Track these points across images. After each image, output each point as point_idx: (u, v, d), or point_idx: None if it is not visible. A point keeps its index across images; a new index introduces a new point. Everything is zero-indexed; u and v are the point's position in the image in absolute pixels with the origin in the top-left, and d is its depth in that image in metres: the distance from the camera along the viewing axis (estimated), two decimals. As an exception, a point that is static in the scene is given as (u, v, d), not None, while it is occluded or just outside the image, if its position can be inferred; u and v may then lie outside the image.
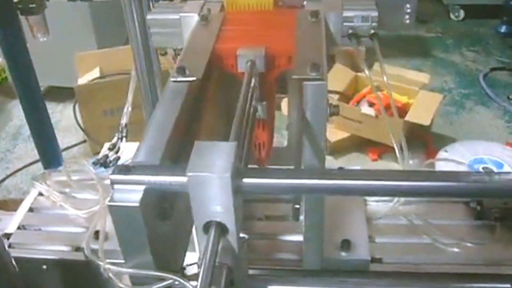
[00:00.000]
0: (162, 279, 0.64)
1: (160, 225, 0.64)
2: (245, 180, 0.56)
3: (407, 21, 0.97)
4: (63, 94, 3.42)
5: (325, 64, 0.80)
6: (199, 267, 0.60)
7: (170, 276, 0.62)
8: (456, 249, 0.99)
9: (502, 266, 0.95)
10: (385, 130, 2.88)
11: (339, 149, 2.93)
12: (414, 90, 3.04)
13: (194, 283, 0.58)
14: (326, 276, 0.93)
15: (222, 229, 0.58)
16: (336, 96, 3.00)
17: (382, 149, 2.93)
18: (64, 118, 3.41)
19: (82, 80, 3.06)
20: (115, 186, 0.59)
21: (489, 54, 3.84)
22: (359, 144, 2.95)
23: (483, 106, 3.35)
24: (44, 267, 1.05)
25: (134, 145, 1.86)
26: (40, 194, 1.23)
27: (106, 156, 1.58)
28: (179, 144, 0.70)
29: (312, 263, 0.96)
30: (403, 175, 0.56)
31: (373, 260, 0.98)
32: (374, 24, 0.93)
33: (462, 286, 0.91)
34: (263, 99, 0.89)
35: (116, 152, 1.65)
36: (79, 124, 3.12)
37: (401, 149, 0.97)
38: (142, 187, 0.59)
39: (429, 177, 0.59)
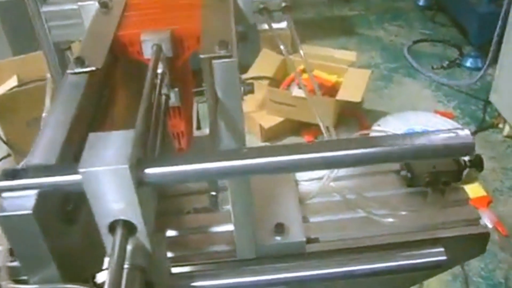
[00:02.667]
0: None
1: (65, 230, 0.58)
2: (148, 170, 0.51)
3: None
4: (-19, 107, 3.24)
5: (235, 41, 0.75)
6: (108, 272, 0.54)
7: (76, 287, 0.55)
8: (391, 219, 0.97)
9: (437, 230, 0.94)
10: (318, 111, 2.89)
11: (274, 134, 2.91)
12: (342, 69, 3.06)
13: (106, 290, 0.52)
14: (261, 264, 0.89)
15: (129, 227, 0.53)
16: (266, 82, 2.97)
17: (316, 131, 2.92)
18: (-16, 132, 3.23)
19: (-1, 90, 2.90)
20: (3, 194, 0.52)
21: (411, 28, 3.92)
22: (294, 128, 2.94)
23: (410, 78, 3.41)
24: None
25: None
26: None
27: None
28: (81, 140, 0.64)
29: (246, 252, 0.92)
30: (318, 147, 0.52)
31: (309, 240, 0.94)
32: (284, -4, 0.89)
33: (399, 255, 0.90)
34: (174, 86, 0.83)
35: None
36: (1, 138, 2.96)
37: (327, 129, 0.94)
38: (34, 192, 0.52)
39: (349, 145, 0.55)
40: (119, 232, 0.52)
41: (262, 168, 0.52)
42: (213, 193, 0.61)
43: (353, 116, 3.04)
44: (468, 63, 3.42)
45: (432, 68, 3.43)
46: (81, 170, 0.49)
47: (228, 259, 0.91)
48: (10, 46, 3.13)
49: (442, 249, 0.79)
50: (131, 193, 0.50)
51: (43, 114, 1.54)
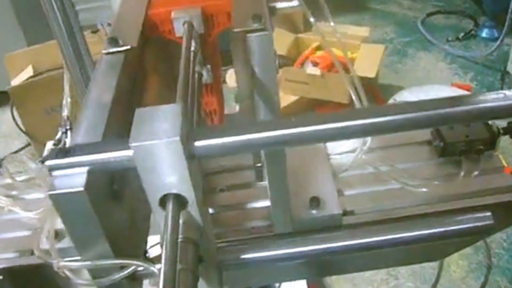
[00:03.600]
0: (124, 267, 0.58)
1: (113, 208, 0.58)
2: (198, 142, 0.51)
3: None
4: (-1, 98, 3.27)
5: (267, 14, 0.74)
6: (161, 247, 0.55)
7: (131, 262, 0.56)
8: (425, 189, 0.96)
9: (474, 198, 0.93)
10: (332, 88, 2.89)
11: (289, 112, 2.90)
12: (356, 44, 3.03)
13: (159, 265, 0.52)
14: (298, 236, 0.89)
15: (180, 201, 0.53)
16: (280, 60, 2.96)
17: (331, 107, 2.92)
18: (3, 123, 3.25)
19: (15, 81, 2.91)
20: (54, 173, 0.53)
21: (424, 0, 3.87)
22: (308, 106, 2.94)
23: (424, 51, 3.38)
24: (1, 277, 0.97)
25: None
26: (-15, 201, 1.13)
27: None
28: (122, 118, 0.64)
29: (282, 226, 0.92)
30: (367, 112, 0.52)
31: (345, 213, 0.94)
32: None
33: (441, 222, 0.89)
34: (206, 62, 0.83)
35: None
36: (20, 128, 2.98)
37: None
38: (85, 169, 0.52)
39: (394, 110, 0.54)
40: (171, 205, 0.52)
41: (316, 136, 0.51)
42: (259, 164, 0.60)
43: (369, 91, 3.02)
44: (484, 33, 3.38)
45: (447, 40, 3.40)
46: (132, 144, 0.49)
47: (265, 234, 0.92)
48: (25, 37, 3.14)
49: (489, 214, 0.78)
50: (183, 166, 0.50)
51: (63, 102, 1.53)
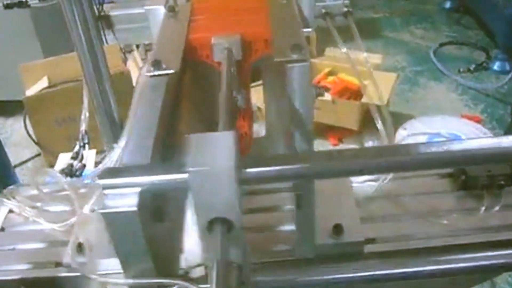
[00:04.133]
0: (164, 286, 0.59)
1: (157, 228, 0.60)
2: (249, 170, 0.53)
3: (377, -4, 0.95)
4: (12, 107, 3.30)
5: (306, 44, 0.77)
6: (206, 268, 0.56)
7: (176, 282, 0.57)
8: (446, 221, 0.98)
9: (497, 233, 0.95)
10: (343, 114, 2.90)
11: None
12: (367, 72, 3.05)
13: (202, 286, 0.54)
14: (322, 263, 0.91)
15: (228, 225, 0.55)
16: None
17: (341, 133, 2.94)
18: (14, 132, 3.28)
19: (30, 91, 2.95)
20: (106, 191, 0.54)
21: (437, 30, 3.92)
22: (319, 130, 2.95)
23: (436, 81, 3.41)
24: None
25: (93, 153, 1.77)
26: (11, 211, 1.15)
27: (71, 165, 1.50)
28: (165, 142, 0.66)
29: (305, 251, 0.93)
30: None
31: (367, 241, 0.95)
32: (346, 1, 0.91)
33: (461, 257, 0.91)
34: (240, 88, 0.85)
35: (80, 161, 1.58)
36: (31, 137, 3.00)
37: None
38: (137, 190, 0.54)
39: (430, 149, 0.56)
40: (219, 229, 0.54)
41: (358, 169, 0.53)
42: (299, 192, 0.62)
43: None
44: (496, 66, 3.41)
45: (459, 71, 3.42)
46: (190, 169, 0.51)
47: (287, 258, 0.93)
48: (42, 48, 3.18)
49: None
50: (234, 192, 0.52)
51: (82, 116, 1.55)
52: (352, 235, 0.94)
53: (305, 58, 0.72)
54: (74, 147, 1.60)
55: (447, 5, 4.12)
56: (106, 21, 1.22)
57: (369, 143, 2.86)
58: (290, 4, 0.87)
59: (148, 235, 0.56)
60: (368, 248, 0.95)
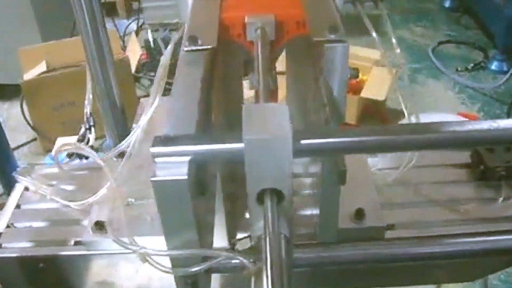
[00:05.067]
0: (208, 258, 0.59)
1: (201, 199, 0.60)
2: (304, 141, 0.53)
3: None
4: (9, 91, 3.26)
5: (341, 25, 0.77)
6: (252, 240, 0.56)
7: (222, 253, 0.57)
8: (463, 210, 0.99)
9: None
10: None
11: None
12: (367, 67, 3.07)
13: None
14: (344, 247, 0.91)
15: (278, 196, 0.54)
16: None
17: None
18: (11, 116, 3.25)
19: (28, 76, 2.92)
20: (157, 160, 0.54)
21: (436, 29, 3.94)
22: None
23: (433, 79, 3.43)
24: (41, 265, 0.97)
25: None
26: (26, 189, 1.14)
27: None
28: (207, 115, 0.66)
29: (327, 236, 0.93)
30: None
31: (387, 227, 0.96)
32: (376, -14, 0.91)
33: (481, 240, 0.91)
34: (272, 68, 0.85)
35: (87, 143, 1.57)
36: (28, 122, 2.98)
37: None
38: (187, 159, 0.54)
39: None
40: (272, 200, 0.53)
41: (419, 143, 0.53)
42: (344, 168, 0.62)
43: (376, 114, 3.06)
44: (493, 66, 3.44)
45: (456, 70, 3.45)
46: (246, 137, 0.50)
47: (310, 242, 0.93)
48: (40, 32, 3.15)
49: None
50: (287, 163, 0.52)
51: (86, 98, 1.53)
52: (374, 220, 0.95)
53: (343, 39, 0.73)
54: (79, 130, 1.59)
55: (447, 4, 4.14)
56: (106, 9, 1.21)
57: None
58: (322, -13, 0.87)
59: (195, 205, 0.56)
60: (387, 234, 0.96)
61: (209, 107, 0.70)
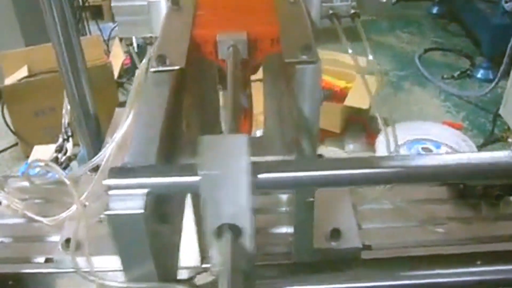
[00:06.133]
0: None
1: (159, 230, 0.57)
2: (262, 175, 0.50)
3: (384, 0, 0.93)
4: (-10, 96, 3.21)
5: (314, 44, 0.74)
6: (212, 274, 0.54)
7: (179, 287, 0.55)
8: (443, 230, 0.97)
9: (492, 244, 0.94)
10: (325, 116, 2.88)
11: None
12: (351, 74, 3.06)
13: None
14: (318, 268, 0.89)
15: (236, 231, 0.52)
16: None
17: (323, 135, 2.93)
18: (-8, 121, 3.20)
19: (9, 80, 2.88)
20: (111, 192, 0.52)
21: (423, 35, 3.94)
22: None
23: (419, 86, 3.42)
24: (11, 283, 0.95)
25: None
26: (-1, 202, 1.11)
27: (56, 158, 1.46)
28: (170, 142, 0.63)
29: (302, 255, 0.91)
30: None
31: (363, 247, 0.94)
32: (353, 3, 0.89)
33: (454, 266, 0.90)
34: (245, 87, 0.83)
35: (65, 154, 1.54)
36: (8, 127, 2.94)
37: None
38: (143, 191, 0.52)
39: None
40: (229, 235, 0.51)
41: (377, 178, 0.51)
42: (311, 199, 0.60)
43: (360, 122, 3.04)
44: (479, 74, 3.43)
45: (442, 77, 3.44)
46: (202, 172, 0.48)
47: (285, 261, 0.91)
48: (23, 36, 3.11)
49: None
50: (245, 198, 0.50)
51: (63, 108, 1.50)
52: (350, 240, 0.93)
53: (314, 60, 0.70)
54: (57, 140, 1.56)
55: (434, 10, 4.14)
56: (91, 12, 1.18)
57: (349, 146, 2.85)
58: (298, 3, 0.85)
59: (152, 237, 0.54)
60: (364, 254, 0.94)
61: (175, 132, 0.68)
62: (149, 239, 0.53)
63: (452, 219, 0.98)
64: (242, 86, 0.79)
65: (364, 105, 2.89)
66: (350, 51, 0.91)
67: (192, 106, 0.89)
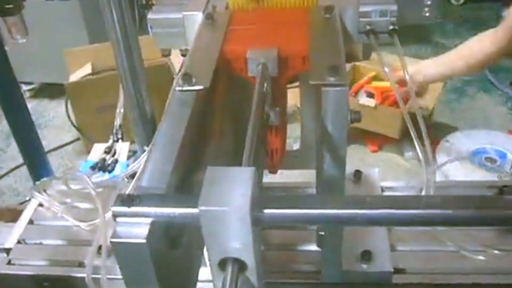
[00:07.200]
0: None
1: (168, 255, 0.57)
2: (266, 211, 0.49)
3: (427, 14, 0.90)
4: (56, 90, 3.35)
5: (344, 66, 0.72)
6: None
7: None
8: (482, 257, 0.93)
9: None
10: (384, 121, 2.83)
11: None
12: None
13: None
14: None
15: (240, 265, 0.51)
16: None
17: (381, 140, 2.87)
18: (57, 115, 3.33)
19: (73, 77, 2.97)
20: (118, 219, 0.52)
21: (491, 39, 3.76)
22: (359, 135, 2.88)
23: (485, 93, 3.28)
24: (46, 284, 0.99)
25: (126, 146, 1.76)
26: (40, 204, 1.15)
27: (104, 160, 1.50)
28: (186, 165, 0.63)
29: (331, 276, 0.90)
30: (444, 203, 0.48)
31: (396, 270, 0.91)
32: (393, 19, 0.86)
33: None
34: (275, 105, 0.81)
35: (113, 155, 1.58)
36: (71, 122, 3.04)
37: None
38: (149, 220, 0.51)
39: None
40: (230, 269, 0.50)
41: (384, 220, 0.49)
42: (321, 233, 0.58)
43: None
44: (550, 81, 3.25)
45: (510, 84, 3.28)
46: (201, 208, 0.47)
47: (313, 281, 0.90)
48: (87, 34, 3.20)
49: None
50: (247, 234, 0.49)
51: (117, 110, 1.53)
52: (381, 264, 0.90)
53: (342, 82, 0.68)
54: (106, 140, 1.60)
55: (504, 12, 3.94)
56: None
57: (409, 153, 2.77)
58: (333, 19, 0.82)
59: (157, 265, 0.53)
60: (396, 279, 0.90)
61: (198, 154, 0.67)
62: (154, 266, 0.53)
63: (494, 246, 0.93)
64: (270, 103, 0.77)
65: (426, 111, 2.80)
66: (386, 69, 0.87)
67: (228, 124, 0.89)
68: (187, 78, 0.71)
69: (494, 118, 3.07)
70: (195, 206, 0.48)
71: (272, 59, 0.77)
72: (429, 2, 0.88)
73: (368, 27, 0.86)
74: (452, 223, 0.49)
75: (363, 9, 0.86)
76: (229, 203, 0.47)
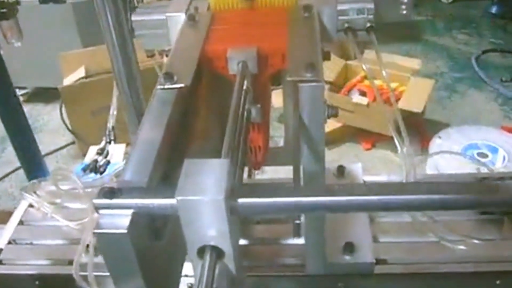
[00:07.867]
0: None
1: (152, 247, 0.60)
2: (241, 200, 0.52)
3: (404, 12, 0.92)
4: (51, 94, 3.36)
5: (321, 63, 0.75)
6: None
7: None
8: (463, 247, 0.95)
9: (512, 263, 0.91)
10: (377, 119, 2.85)
11: (332, 139, 2.88)
12: (405, 77, 2.99)
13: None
14: (330, 281, 0.89)
15: (218, 253, 0.54)
16: (327, 86, 2.95)
17: (375, 138, 2.89)
18: (52, 119, 3.35)
19: (67, 80, 2.99)
20: (101, 212, 0.54)
21: (480, 36, 3.80)
22: (352, 134, 2.91)
23: (476, 89, 3.31)
24: (37, 283, 1.01)
25: (122, 147, 1.79)
26: (31, 205, 1.18)
27: (96, 161, 1.52)
28: (168, 159, 0.65)
29: (315, 268, 0.92)
30: (407, 188, 0.51)
31: (378, 261, 0.93)
32: (370, 16, 0.89)
33: (472, 285, 0.88)
34: (257, 102, 0.83)
35: (105, 157, 1.60)
36: (66, 126, 3.06)
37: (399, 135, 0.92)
38: (130, 211, 0.54)
39: (435, 189, 0.53)
40: (208, 257, 0.53)
41: (356, 206, 0.51)
42: (297, 221, 0.61)
43: (414, 126, 2.97)
44: (540, 77, 3.28)
45: (501, 80, 3.31)
46: (178, 198, 0.50)
47: (298, 274, 0.92)
48: (80, 38, 3.22)
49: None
50: (223, 222, 0.51)
51: (110, 112, 1.55)
52: (363, 255, 0.92)
53: (317, 79, 0.71)
54: (101, 143, 1.62)
55: (493, 10, 3.98)
56: None
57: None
58: (311, 18, 0.85)
59: (140, 255, 0.56)
60: (378, 269, 0.93)
61: (180, 150, 0.70)
62: (137, 257, 0.55)
63: (473, 236, 0.96)
64: (251, 100, 0.80)
65: (418, 108, 2.83)
66: (364, 67, 0.90)
67: (211, 120, 0.91)
68: (168, 76, 0.74)
69: (485, 114, 3.10)
70: (172, 197, 0.51)
71: (252, 57, 0.80)
72: (405, 0, 0.91)
73: (346, 25, 0.89)
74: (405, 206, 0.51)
75: (341, 7, 0.89)
76: (204, 192, 0.50)
